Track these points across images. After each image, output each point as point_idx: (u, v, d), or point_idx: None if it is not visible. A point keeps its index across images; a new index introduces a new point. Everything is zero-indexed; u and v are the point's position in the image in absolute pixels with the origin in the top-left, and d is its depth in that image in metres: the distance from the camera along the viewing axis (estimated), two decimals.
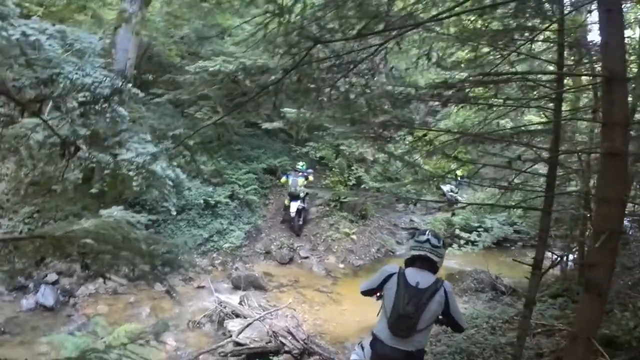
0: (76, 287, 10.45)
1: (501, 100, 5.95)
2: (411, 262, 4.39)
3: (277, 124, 16.18)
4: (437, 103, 5.34)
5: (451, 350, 6.96)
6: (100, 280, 10.32)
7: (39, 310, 9.61)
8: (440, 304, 4.09)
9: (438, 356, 6.96)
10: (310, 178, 15.11)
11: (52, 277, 10.39)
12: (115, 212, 6.68)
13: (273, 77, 3.87)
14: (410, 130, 6.10)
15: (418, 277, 4.16)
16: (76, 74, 8.54)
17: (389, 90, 5.44)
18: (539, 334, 7.25)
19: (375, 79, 5.65)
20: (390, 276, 4.31)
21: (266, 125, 16.21)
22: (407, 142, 6.29)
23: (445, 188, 18.08)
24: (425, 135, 5.84)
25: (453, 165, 9.86)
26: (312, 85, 4.51)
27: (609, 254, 3.35)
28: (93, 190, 11.26)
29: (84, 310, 9.90)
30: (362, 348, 4.46)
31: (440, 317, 4.23)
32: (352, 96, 5.07)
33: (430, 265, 4.30)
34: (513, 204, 7.83)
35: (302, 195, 14.68)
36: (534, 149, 5.84)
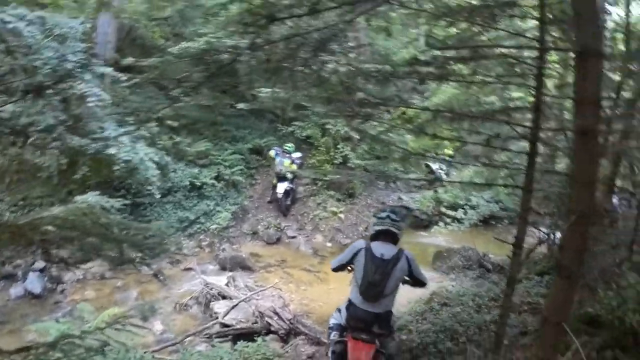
0: (64, 273, 10.43)
1: (481, 77, 5.85)
2: (375, 236, 5.20)
3: (253, 105, 16.03)
4: (415, 80, 5.24)
5: (436, 328, 6.94)
6: (88, 265, 10.38)
7: (28, 298, 9.63)
8: (403, 270, 4.99)
9: (423, 334, 6.93)
10: (294, 166, 14.87)
11: (40, 264, 10.33)
12: (90, 197, 6.57)
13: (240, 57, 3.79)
14: (388, 108, 6.01)
15: (382, 250, 4.99)
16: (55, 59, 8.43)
17: (363, 68, 5.34)
18: (525, 312, 7.24)
19: (351, 56, 5.56)
20: (359, 251, 5.08)
21: (241, 105, 16.06)
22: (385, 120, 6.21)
23: (435, 166, 18.01)
24: (403, 113, 5.75)
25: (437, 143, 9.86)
26: (285, 64, 4.42)
27: (579, 236, 3.25)
28: (77, 176, 11.14)
29: (72, 296, 9.92)
30: (339, 311, 5.34)
31: (406, 278, 5.14)
32: (325, 75, 4.98)
33: (392, 237, 5.17)
34: (500, 182, 7.79)
35: (289, 176, 14.60)
36: (514, 125, 5.75)
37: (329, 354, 5.30)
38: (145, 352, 7.67)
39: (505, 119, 5.82)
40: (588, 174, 2.95)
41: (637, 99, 7.62)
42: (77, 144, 10.36)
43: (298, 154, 15.41)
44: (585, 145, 3.03)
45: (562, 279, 3.35)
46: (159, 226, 9.97)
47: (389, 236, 5.16)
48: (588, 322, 5.77)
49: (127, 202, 9.88)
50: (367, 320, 4.89)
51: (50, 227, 3.25)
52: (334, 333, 5.27)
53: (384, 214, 5.28)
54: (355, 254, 5.11)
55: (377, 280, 4.81)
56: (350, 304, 5.07)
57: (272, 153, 15.24)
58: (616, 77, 8.29)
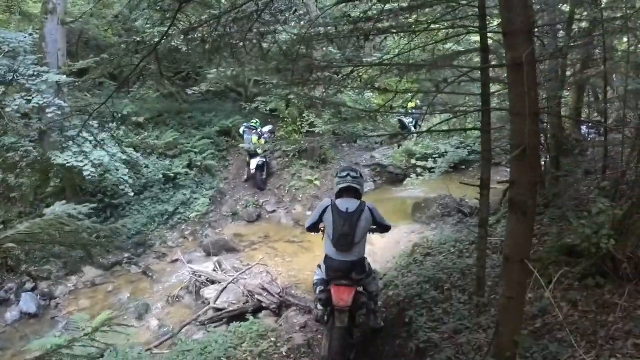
0: (55, 288, 10.37)
1: (424, 26, 5.83)
2: (340, 194, 5.73)
3: (201, 87, 15.96)
4: (359, 37, 5.19)
5: (420, 280, 7.00)
6: (77, 276, 10.35)
7: (25, 319, 9.55)
8: (368, 219, 5.56)
9: (408, 287, 7.00)
10: (262, 141, 14.87)
11: (31, 284, 10.31)
12: (57, 208, 6.54)
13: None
14: (337, 69, 5.98)
15: (347, 205, 5.51)
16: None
17: (303, 34, 5.28)
18: None
19: (290, 24, 5.51)
20: (326, 208, 5.63)
21: (194, 89, 15.97)
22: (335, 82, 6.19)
23: (407, 120, 18.04)
24: (352, 72, 5.72)
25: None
26: (221, 43, 4.36)
27: (528, 170, 3.22)
28: (49, 190, 11.07)
29: (67, 309, 9.88)
30: (320, 267, 5.97)
31: (372, 227, 5.78)
32: (265, 46, 4.94)
33: (355, 193, 5.69)
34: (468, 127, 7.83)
35: (259, 151, 14.56)
36: (462, 69, 5.76)
37: (317, 306, 5.75)
38: (145, 350, 7.76)
39: (455, 64, 5.84)
40: (523, 106, 2.93)
41: (591, 29, 7.62)
42: (44, 157, 10.35)
43: (268, 128, 15.45)
44: (518, 77, 2.99)
45: (516, 216, 3.33)
46: (124, 223, 10.02)
47: (351, 192, 5.68)
48: (567, 253, 5.86)
49: (95, 205, 9.82)
50: (345, 269, 5.46)
51: (11, 245, 3.22)
52: (319, 287, 5.77)
53: (344, 173, 5.79)
54: (324, 212, 5.65)
55: (346, 232, 5.34)
56: (326, 258, 5.68)
57: (241, 130, 15.28)
58: (566, 8, 8.31)
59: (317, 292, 5.78)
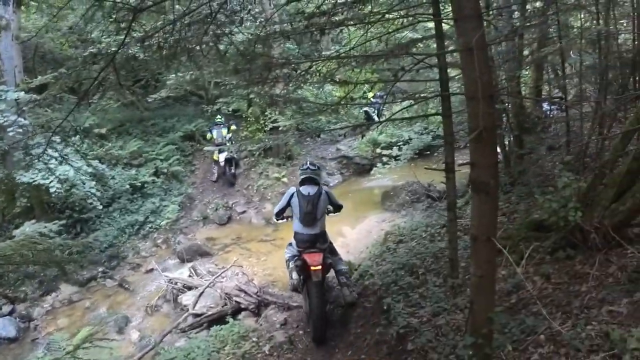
0: (32, 309, 10.20)
1: (379, 16, 5.87)
2: (302, 182, 7.05)
3: (163, 93, 15.84)
4: (315, 32, 5.22)
5: (395, 267, 7.06)
6: (53, 295, 10.19)
7: (5, 344, 9.38)
8: (325, 200, 6.99)
9: (383, 275, 7.06)
10: (233, 127, 15.14)
11: (7, 307, 10.10)
12: (27, 228, 6.45)
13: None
14: (295, 66, 6.00)
15: (308, 190, 6.92)
16: None
17: (259, 33, 5.29)
18: None
19: (246, 24, 5.50)
20: (292, 195, 7.02)
21: (153, 96, 15.83)
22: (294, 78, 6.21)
23: (371, 110, 18.15)
24: (310, 67, 5.75)
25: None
26: (178, 48, 4.35)
27: (487, 151, 3.28)
28: (17, 209, 10.89)
29: (46, 329, 9.76)
30: (290, 245, 7.21)
31: (329, 207, 7.19)
32: (222, 47, 4.94)
33: (314, 181, 7.04)
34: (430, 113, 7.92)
35: (229, 145, 14.67)
36: (418, 56, 5.81)
37: (292, 277, 6.95)
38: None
39: (412, 51, 5.89)
40: (476, 89, 2.98)
41: (545, 8, 7.74)
42: (9, 177, 10.17)
43: (231, 121, 15.61)
44: (470, 62, 3.05)
45: (479, 196, 3.40)
46: (96, 236, 9.95)
47: (311, 180, 7.05)
48: (536, 228, 5.99)
49: (64, 222, 9.70)
50: (311, 240, 6.81)
51: None
52: (292, 261, 6.94)
53: (305, 166, 7.20)
54: (290, 197, 7.03)
55: (310, 210, 6.78)
56: (296, 234, 6.96)
57: (209, 135, 15.32)
58: None
59: (291, 264, 6.92)
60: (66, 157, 10.76)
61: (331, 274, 7.35)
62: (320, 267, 6.54)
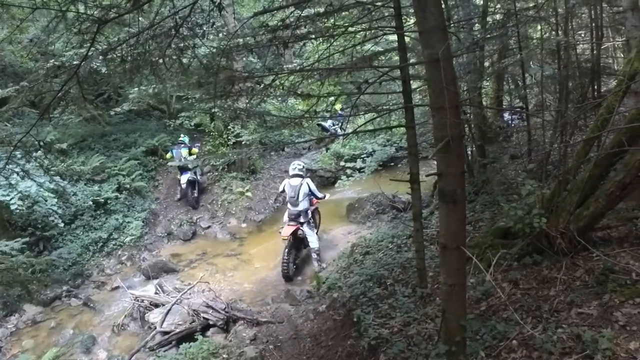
0: None
1: (342, 29, 5.91)
2: (292, 176, 10.30)
3: (125, 106, 15.64)
4: (278, 45, 5.22)
5: (363, 278, 7.10)
6: (16, 315, 9.87)
7: None
8: (305, 188, 10.12)
9: (352, 287, 7.09)
10: (195, 150, 14.85)
11: None
12: None
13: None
14: (259, 79, 5.99)
15: (294, 182, 10.20)
16: None
17: (223, 46, 5.27)
18: None
19: (209, 37, 5.46)
20: (285, 184, 10.36)
21: (116, 110, 15.61)
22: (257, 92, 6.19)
23: (327, 123, 18.22)
24: (274, 80, 5.74)
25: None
26: (140, 61, 4.30)
27: (454, 160, 3.33)
28: None
29: (11, 351, 9.38)
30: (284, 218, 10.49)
31: (309, 195, 10.19)
32: (185, 61, 4.90)
33: (299, 175, 10.29)
34: (392, 125, 7.98)
35: (190, 166, 14.44)
36: (382, 69, 5.86)
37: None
38: None
39: (374, 64, 5.94)
40: (443, 100, 3.01)
41: (505, 20, 7.88)
42: None
43: (197, 144, 15.48)
44: (435, 73, 3.09)
45: (447, 205, 3.44)
46: (60, 253, 9.72)
47: (297, 175, 10.32)
48: (502, 235, 6.08)
49: (27, 239, 9.43)
50: (295, 214, 10.14)
51: None
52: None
53: (292, 166, 10.55)
54: (284, 185, 10.41)
55: (293, 195, 10.16)
56: (287, 210, 10.38)
57: (168, 155, 15.14)
58: (480, 2, 8.57)
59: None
60: (28, 172, 10.57)
61: None
62: (287, 237, 9.86)
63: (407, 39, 6.00)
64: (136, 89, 14.27)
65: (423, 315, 5.49)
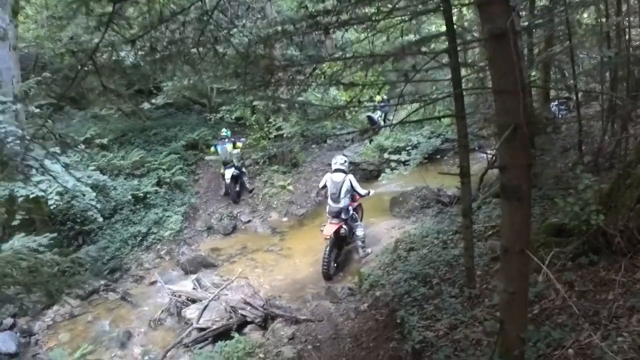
0: (33, 323, 9.87)
1: (385, 13, 5.58)
2: (334, 171, 9.94)
3: (160, 99, 15.55)
4: (319, 32, 4.94)
5: (407, 276, 6.79)
6: (54, 308, 9.88)
7: None
8: (348, 185, 9.74)
9: (395, 285, 6.80)
10: (239, 144, 14.63)
11: (8, 321, 9.75)
12: (16, 241, 6.11)
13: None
14: (299, 68, 5.69)
15: (336, 177, 9.86)
16: None
17: (261, 34, 5.00)
18: (491, 237, 7.13)
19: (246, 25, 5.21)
20: (327, 179, 10.03)
21: (154, 102, 15.53)
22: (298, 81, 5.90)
23: (375, 115, 17.93)
24: (315, 69, 5.44)
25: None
26: (173, 50, 4.06)
27: (520, 150, 2.95)
28: (15, 223, 10.58)
29: (47, 344, 9.38)
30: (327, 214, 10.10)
31: (351, 191, 9.81)
32: (220, 49, 4.63)
33: (341, 171, 9.92)
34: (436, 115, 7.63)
35: (235, 162, 14.31)
36: (430, 54, 5.52)
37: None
38: None
39: (424, 50, 5.61)
40: (507, 81, 2.67)
41: (552, 6, 7.49)
42: (6, 190, 9.88)
43: (242, 139, 15.25)
44: (499, 50, 2.72)
45: (510, 203, 3.06)
46: (88, 250, 9.63)
47: (340, 171, 9.95)
48: (555, 233, 5.67)
49: (55, 235, 9.33)
50: (336, 211, 9.80)
51: None
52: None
53: (335, 160, 10.21)
54: (326, 180, 10.11)
55: (334, 191, 9.80)
56: (328, 206, 10.01)
57: (212, 150, 14.99)
58: None
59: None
60: (68, 166, 10.52)
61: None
62: (329, 236, 9.52)
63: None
64: (170, 82, 14.15)
65: (471, 318, 5.15)
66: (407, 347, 5.19)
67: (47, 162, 10.57)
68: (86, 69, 3.23)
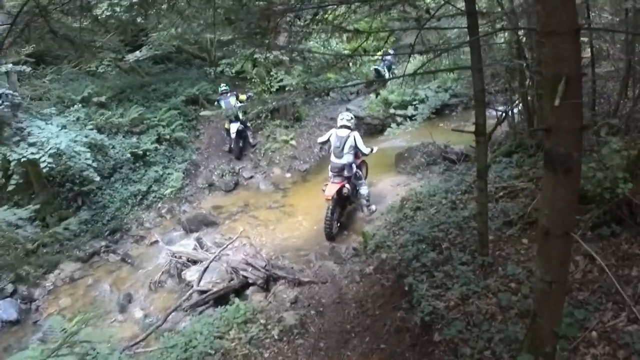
0: (33, 289, 9.74)
1: None
2: (339, 127, 9.53)
3: (145, 51, 15.01)
4: None
5: (414, 238, 6.46)
6: (55, 273, 9.70)
7: (6, 327, 8.88)
8: (352, 141, 9.31)
9: (402, 248, 6.48)
10: (243, 97, 14.14)
11: (9, 287, 9.59)
12: None
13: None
14: (298, 13, 5.20)
15: (341, 133, 9.41)
16: None
17: None
18: (502, 198, 6.75)
19: None
20: (331, 134, 9.57)
21: (135, 55, 15.00)
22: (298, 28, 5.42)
23: (381, 68, 17.41)
24: (316, 14, 4.95)
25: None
26: None
27: (572, 110, 2.42)
28: (10, 188, 10.30)
29: (48, 310, 9.26)
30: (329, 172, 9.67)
31: (354, 148, 9.35)
32: None
33: (346, 127, 9.47)
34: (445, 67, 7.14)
35: (241, 116, 13.96)
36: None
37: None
38: (132, 345, 7.29)
39: None
40: (560, 20, 2.15)
41: None
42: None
43: (249, 94, 14.65)
44: None
45: (555, 175, 2.49)
46: (68, 223, 9.33)
47: (346, 127, 9.50)
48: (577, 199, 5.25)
49: (37, 207, 9.02)
50: (339, 167, 9.36)
51: None
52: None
53: (341, 116, 9.78)
54: (330, 135, 9.61)
55: (338, 145, 9.32)
56: (330, 162, 9.56)
57: (215, 104, 14.60)
58: None
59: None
60: (60, 127, 10.19)
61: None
62: (330, 197, 9.07)
63: None
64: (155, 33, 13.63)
65: (484, 289, 4.81)
66: (416, 318, 4.90)
67: (41, 123, 10.32)
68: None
